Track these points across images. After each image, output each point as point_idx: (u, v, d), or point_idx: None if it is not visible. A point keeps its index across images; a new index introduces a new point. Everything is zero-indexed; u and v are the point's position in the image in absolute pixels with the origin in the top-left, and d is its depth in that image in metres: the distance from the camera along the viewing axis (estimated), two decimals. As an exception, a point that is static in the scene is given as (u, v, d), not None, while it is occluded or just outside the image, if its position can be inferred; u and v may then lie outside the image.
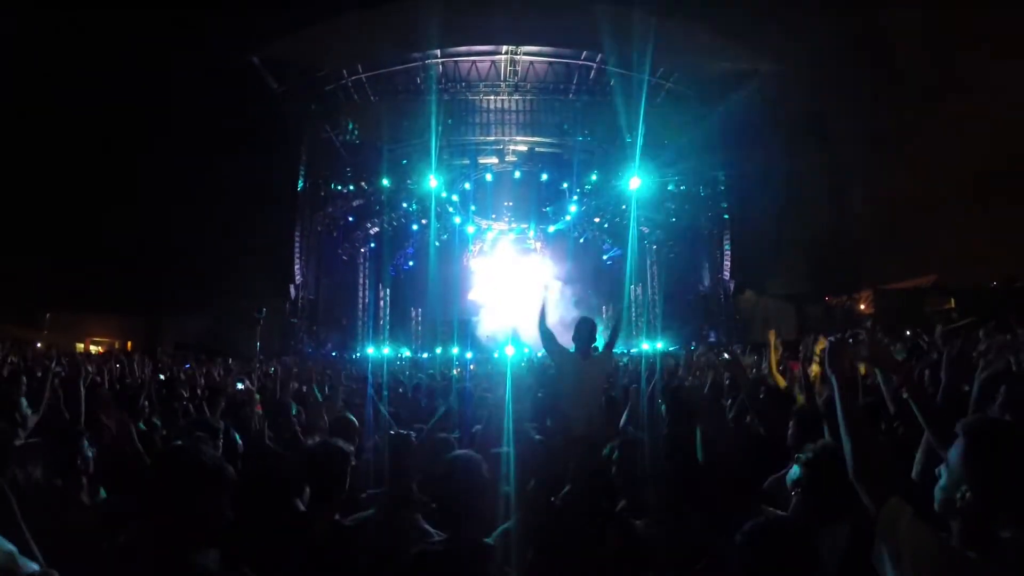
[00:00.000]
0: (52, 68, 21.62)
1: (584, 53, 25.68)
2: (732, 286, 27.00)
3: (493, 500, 3.09)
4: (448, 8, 23.78)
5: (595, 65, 25.98)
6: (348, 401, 6.94)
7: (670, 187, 27.03)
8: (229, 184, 22.79)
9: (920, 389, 3.09)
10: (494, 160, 27.28)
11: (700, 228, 28.32)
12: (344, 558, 2.96)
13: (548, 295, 6.37)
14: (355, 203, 27.54)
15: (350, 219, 28.24)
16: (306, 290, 26.65)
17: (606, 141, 26.63)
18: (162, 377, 8.82)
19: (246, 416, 5.39)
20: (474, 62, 26.29)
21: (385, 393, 7.48)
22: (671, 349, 22.82)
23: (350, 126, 26.51)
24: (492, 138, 26.97)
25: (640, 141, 23.33)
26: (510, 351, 11.28)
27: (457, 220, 27.70)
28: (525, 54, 25.91)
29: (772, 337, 8.15)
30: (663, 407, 5.18)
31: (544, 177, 27.17)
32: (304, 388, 7.49)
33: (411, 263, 29.55)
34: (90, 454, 3.63)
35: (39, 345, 15.16)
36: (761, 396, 5.11)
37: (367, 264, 29.63)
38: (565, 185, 26.97)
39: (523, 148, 27.26)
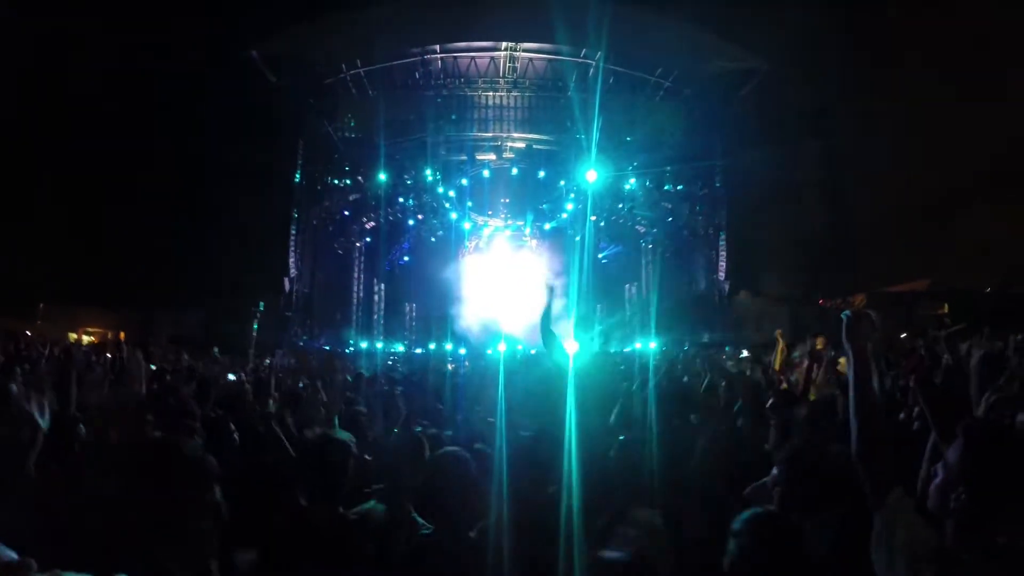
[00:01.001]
0: (48, 60, 21.54)
1: (583, 50, 25.64)
2: (727, 287, 27.03)
3: (478, 496, 3.10)
4: (448, 4, 23.79)
5: (594, 63, 25.94)
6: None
7: (666, 186, 27.08)
8: (225, 177, 22.76)
9: (929, 382, 3.10)
10: (491, 156, 27.24)
11: (696, 228, 28.33)
12: (346, 551, 2.94)
13: (554, 293, 6.31)
14: (352, 197, 27.49)
15: (346, 213, 28.19)
16: (300, 283, 26.60)
17: (604, 139, 26.62)
18: (153, 368, 8.78)
19: (240, 408, 5.36)
20: (473, 58, 26.25)
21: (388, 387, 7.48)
22: (665, 349, 22.85)
23: (348, 120, 26.45)
24: (490, 134, 26.94)
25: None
26: (502, 347, 11.30)
27: (453, 216, 27.66)
28: (524, 51, 25.88)
29: (780, 337, 8.20)
30: (655, 406, 5.17)
31: (541, 174, 27.13)
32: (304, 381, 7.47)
33: (406, 258, 29.52)
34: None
35: (28, 333, 15.10)
36: (769, 402, 5.07)
37: (362, 259, 29.58)
38: (562, 183, 26.94)
39: (521, 145, 27.24)
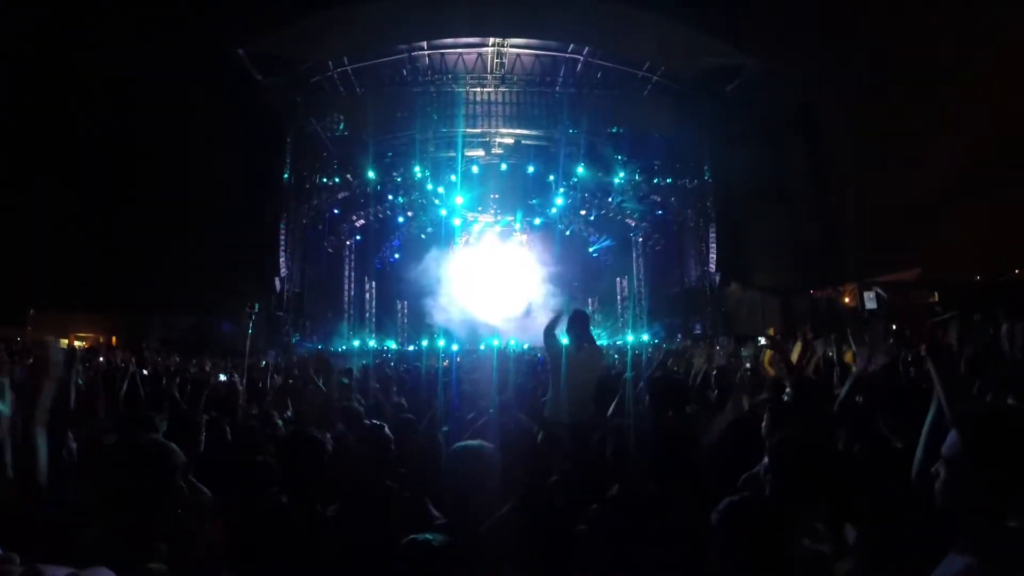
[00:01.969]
0: (36, 62, 21.37)
1: (571, 45, 25.62)
2: (718, 278, 27.09)
3: (495, 488, 3.09)
4: (434, 0, 23.72)
5: (582, 58, 25.93)
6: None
7: (655, 180, 27.14)
8: (214, 177, 22.66)
9: (941, 348, 3.12)
10: (480, 152, 27.25)
11: (686, 221, 28.39)
12: (320, 550, 2.94)
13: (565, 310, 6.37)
14: (341, 196, 27.43)
15: (335, 212, 28.13)
16: (291, 283, 26.50)
17: (592, 133, 26.67)
18: (145, 372, 8.73)
19: (233, 409, 5.35)
20: (461, 54, 26.15)
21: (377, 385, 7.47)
22: (656, 341, 22.94)
23: (336, 118, 26.36)
24: (479, 130, 26.88)
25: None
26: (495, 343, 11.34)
27: (443, 212, 27.65)
28: (512, 46, 25.82)
29: (772, 333, 8.28)
30: (648, 396, 5.18)
31: (531, 169, 27.14)
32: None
33: (397, 256, 29.49)
34: (74, 447, 3.58)
35: (18, 340, 15.02)
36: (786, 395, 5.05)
37: (353, 257, 29.54)
38: (551, 177, 26.96)
39: (509, 140, 27.23)
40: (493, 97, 27.06)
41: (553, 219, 27.93)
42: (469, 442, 3.20)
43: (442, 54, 26.07)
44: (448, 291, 25.96)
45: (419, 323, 26.92)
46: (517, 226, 28.42)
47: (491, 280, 27.25)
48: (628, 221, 29.37)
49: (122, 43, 21.45)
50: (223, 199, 22.98)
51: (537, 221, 28.26)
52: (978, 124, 21.90)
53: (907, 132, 23.27)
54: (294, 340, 24.33)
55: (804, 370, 5.98)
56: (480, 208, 28.28)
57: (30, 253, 21.68)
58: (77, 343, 22.57)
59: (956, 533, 1.88)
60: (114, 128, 22.63)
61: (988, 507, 1.82)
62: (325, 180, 26.66)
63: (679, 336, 24.01)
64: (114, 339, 23.67)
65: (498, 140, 27.23)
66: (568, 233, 28.94)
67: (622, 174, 26.49)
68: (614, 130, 26.61)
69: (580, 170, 26.49)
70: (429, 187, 26.65)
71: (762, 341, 14.50)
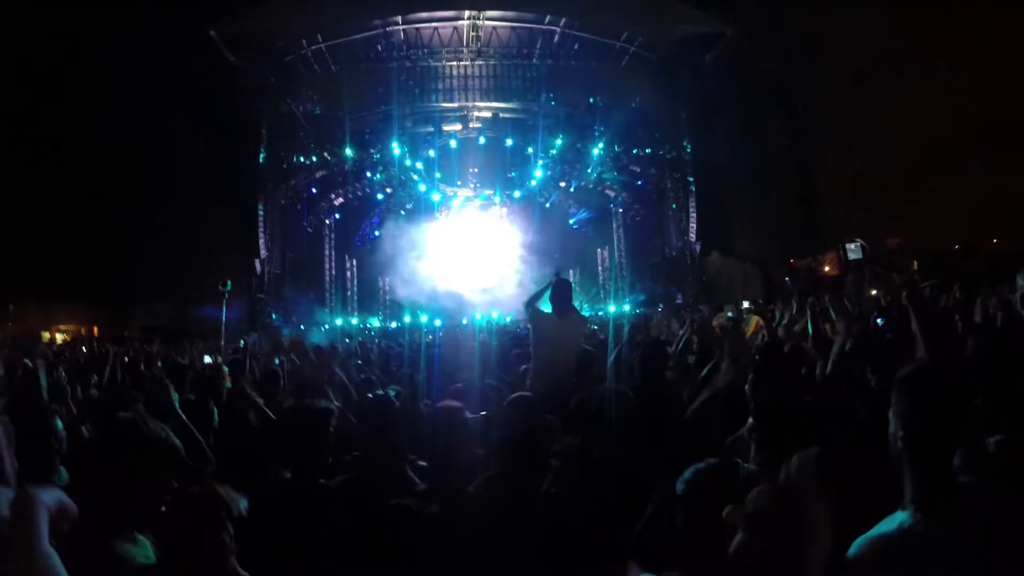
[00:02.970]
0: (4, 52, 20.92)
1: (548, 17, 25.44)
2: (698, 248, 27.23)
3: (474, 450, 3.13)
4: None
5: (559, 29, 25.76)
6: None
7: (634, 151, 27.14)
8: (189, 161, 22.41)
9: (920, 297, 3.23)
10: (458, 127, 27.10)
11: (666, 191, 28.45)
12: (328, 521, 2.95)
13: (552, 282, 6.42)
14: (318, 175, 27.25)
15: (314, 191, 27.96)
16: (272, 264, 26.37)
17: (570, 105, 26.59)
18: (126, 359, 8.69)
19: (218, 391, 5.35)
20: (436, 28, 25.90)
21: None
22: (638, 311, 23.07)
23: (311, 97, 26.11)
24: (456, 104, 26.73)
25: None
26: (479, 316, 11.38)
27: (422, 188, 27.54)
28: (488, 19, 25.60)
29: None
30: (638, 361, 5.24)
31: (509, 142, 27.04)
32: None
33: (377, 233, 29.37)
34: (63, 432, 3.55)
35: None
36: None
37: (333, 236, 29.42)
38: (530, 150, 26.89)
39: (487, 114, 27.10)
40: (470, 71, 26.85)
41: (533, 191, 27.90)
42: (449, 402, 3.24)
43: (417, 28, 25.81)
44: (430, 266, 25.91)
45: (401, 300, 26.87)
46: (497, 200, 28.35)
47: (472, 254, 27.23)
48: (608, 192, 29.40)
49: (90, 26, 21.05)
50: (200, 183, 22.74)
51: (517, 194, 28.19)
52: (960, 96, 22.02)
53: (887, 103, 23.37)
54: (276, 322, 24.23)
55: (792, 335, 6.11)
56: (459, 183, 28.17)
57: (6, 247, 21.36)
58: (59, 336, 22.42)
59: (904, 488, 1.95)
60: (87, 116, 22.22)
61: (934, 463, 1.88)
62: (302, 160, 26.42)
63: (660, 306, 24.13)
64: (96, 330, 23.48)
65: (476, 114, 27.09)
66: (548, 205, 28.92)
67: (601, 145, 26.45)
68: (592, 101, 26.51)
69: (559, 142, 26.43)
70: (407, 163, 26.52)
71: (746, 304, 14.66)
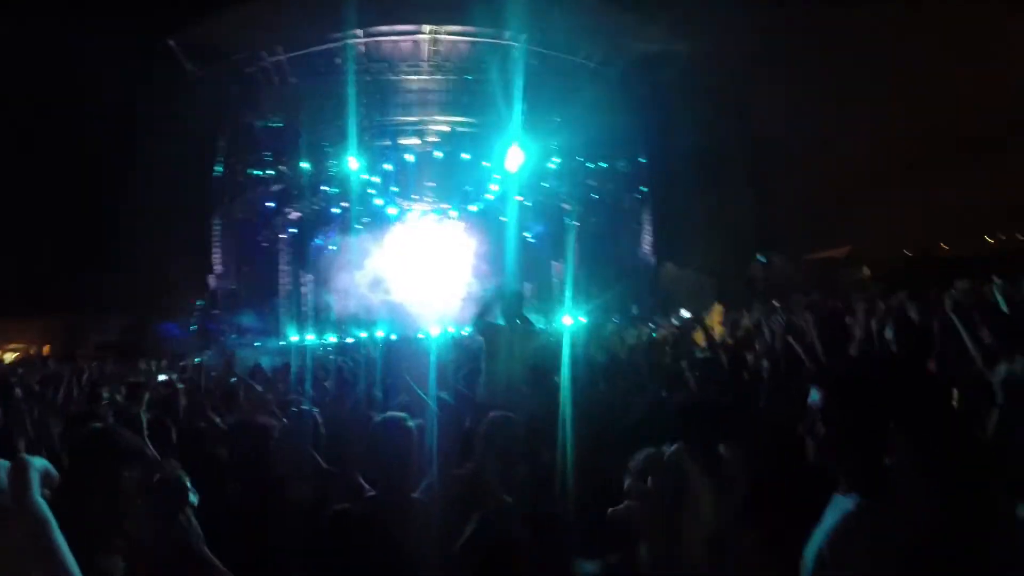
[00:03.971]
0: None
1: (507, 32, 25.67)
2: (654, 260, 27.57)
3: (419, 457, 3.25)
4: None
5: (517, 45, 25.99)
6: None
7: (590, 164, 27.46)
8: (144, 172, 22.08)
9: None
10: (415, 141, 27.13)
11: (621, 203, 28.79)
12: (275, 533, 3.04)
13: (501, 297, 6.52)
14: (274, 188, 27.00)
15: (269, 205, 27.65)
16: (226, 280, 26.04)
17: (527, 119, 26.78)
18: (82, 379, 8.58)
19: (175, 409, 5.38)
20: (396, 42, 25.99)
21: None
22: (594, 323, 23.23)
23: (270, 109, 25.93)
24: (414, 118, 26.80)
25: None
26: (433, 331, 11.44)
27: (379, 202, 27.46)
28: (447, 33, 25.76)
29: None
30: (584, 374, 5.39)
31: (465, 157, 27.14)
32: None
33: (333, 247, 29.15)
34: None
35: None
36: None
37: (289, 250, 29.12)
38: (487, 164, 27.01)
39: (445, 128, 27.19)
40: (428, 85, 26.97)
41: (489, 205, 28.00)
42: (393, 413, 3.37)
43: (377, 42, 25.86)
44: (385, 280, 25.82)
45: (357, 315, 26.69)
46: (453, 213, 28.40)
47: (428, 268, 27.23)
48: (564, 205, 29.61)
49: (38, 32, 20.71)
50: (154, 196, 22.40)
51: (473, 208, 28.27)
52: (910, 105, 22.75)
53: (840, 113, 24.01)
54: (231, 339, 23.93)
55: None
56: (416, 196, 28.17)
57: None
58: (7, 355, 21.82)
59: (835, 477, 2.15)
60: (34, 126, 21.80)
61: (863, 451, 2.08)
62: (258, 173, 26.21)
63: (616, 318, 24.37)
64: (46, 348, 22.94)
65: (433, 128, 27.16)
66: (504, 219, 29.03)
67: (557, 159, 26.71)
68: (549, 115, 26.75)
69: (515, 156, 26.58)
70: (364, 177, 26.44)
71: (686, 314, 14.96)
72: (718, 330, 8.93)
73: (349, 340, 24.64)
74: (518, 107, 26.43)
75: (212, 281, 25.21)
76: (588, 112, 26.88)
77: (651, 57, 26.18)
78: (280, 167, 26.09)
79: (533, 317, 6.86)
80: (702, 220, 26.42)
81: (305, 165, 25.51)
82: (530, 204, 28.84)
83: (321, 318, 28.70)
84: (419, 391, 4.88)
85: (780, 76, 24.60)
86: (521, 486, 3.28)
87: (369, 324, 24.96)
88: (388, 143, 26.70)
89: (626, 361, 6.91)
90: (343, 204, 27.70)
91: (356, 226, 27.85)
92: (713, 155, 26.14)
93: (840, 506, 2.10)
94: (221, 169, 25.69)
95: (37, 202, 22.23)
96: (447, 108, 27.09)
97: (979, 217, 23.68)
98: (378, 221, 27.66)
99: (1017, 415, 3.95)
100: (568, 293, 28.86)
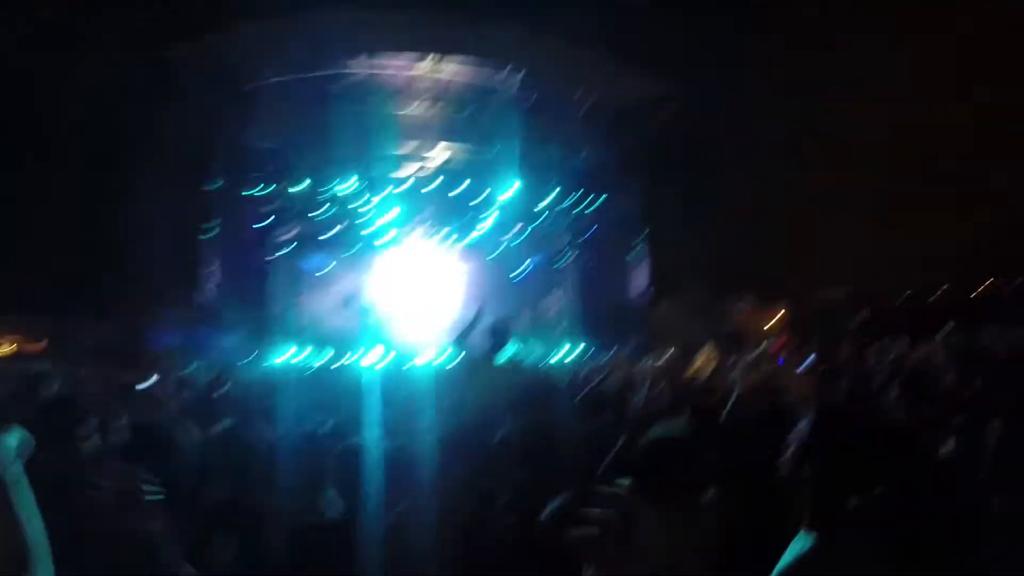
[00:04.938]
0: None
1: (509, 65, 25.95)
2: (647, 296, 27.62)
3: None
4: (371, 16, 23.74)
5: (518, 78, 26.28)
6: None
7: (586, 199, 27.64)
8: (140, 185, 22.04)
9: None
10: (413, 169, 27.22)
11: (616, 241, 28.90)
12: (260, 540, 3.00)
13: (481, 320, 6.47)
14: (269, 208, 26.97)
15: (263, 224, 27.61)
16: (217, 297, 25.90)
17: (524, 154, 26.96)
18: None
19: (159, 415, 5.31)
20: (396, 70, 26.19)
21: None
22: (586, 359, 23.17)
23: (268, 130, 26.00)
24: (412, 147, 26.90)
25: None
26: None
27: (373, 228, 27.46)
28: (447, 63, 26.00)
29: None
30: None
31: (462, 188, 27.25)
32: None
33: (325, 270, 29.08)
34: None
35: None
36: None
37: (280, 270, 29.00)
38: (483, 196, 27.12)
39: (442, 158, 27.32)
40: (428, 114, 27.14)
41: (484, 237, 28.06)
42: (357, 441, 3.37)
43: (379, 69, 26.04)
44: (377, 306, 25.74)
45: (348, 337, 26.57)
46: (447, 244, 28.43)
47: (421, 296, 27.18)
48: (559, 239, 29.71)
49: (34, 40, 20.79)
50: (150, 208, 22.34)
51: (468, 239, 28.32)
52: (904, 137, 22.89)
53: (835, 154, 24.16)
54: (219, 355, 23.73)
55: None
56: (411, 225, 28.19)
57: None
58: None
59: (802, 514, 2.13)
60: (40, 130, 21.81)
61: (832, 490, 2.07)
62: (254, 192, 26.20)
63: (610, 353, 24.35)
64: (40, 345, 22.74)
65: (431, 157, 27.28)
66: (499, 251, 29.08)
67: (554, 193, 26.86)
68: (547, 150, 26.97)
69: (512, 189, 26.74)
70: (360, 202, 26.48)
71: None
72: (708, 368, 8.92)
73: (337, 364, 24.50)
74: (515, 140, 26.68)
75: (205, 296, 25.08)
76: (584, 146, 27.16)
77: (646, 100, 26.45)
78: (275, 187, 26.08)
79: (518, 350, 6.81)
80: (696, 258, 26.51)
81: (301, 187, 25.53)
82: (525, 236, 28.94)
83: (311, 338, 28.55)
84: None
85: (767, 112, 24.88)
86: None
87: (359, 347, 24.85)
88: (385, 170, 26.77)
89: (606, 395, 6.83)
90: (337, 228, 27.70)
91: (349, 250, 27.87)
92: (709, 192, 26.30)
93: (800, 543, 2.12)
94: (215, 186, 25.63)
95: (33, 208, 22.16)
96: (444, 138, 27.23)
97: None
98: (372, 247, 27.64)
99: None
100: (559, 327, 28.99)
